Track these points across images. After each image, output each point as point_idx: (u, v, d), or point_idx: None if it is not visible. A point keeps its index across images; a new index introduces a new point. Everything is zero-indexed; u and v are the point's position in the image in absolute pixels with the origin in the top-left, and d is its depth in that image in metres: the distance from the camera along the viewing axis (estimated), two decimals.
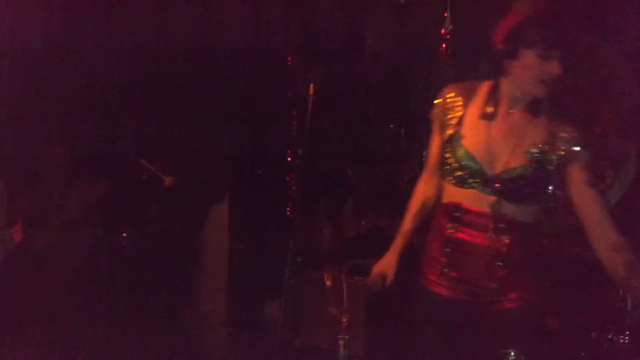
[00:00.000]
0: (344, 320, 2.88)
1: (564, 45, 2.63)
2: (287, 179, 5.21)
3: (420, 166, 3.23)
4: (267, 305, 5.16)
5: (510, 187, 2.66)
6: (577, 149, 2.69)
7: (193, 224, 5.18)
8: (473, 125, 2.73)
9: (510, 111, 2.72)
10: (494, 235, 2.68)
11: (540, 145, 2.68)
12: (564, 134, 2.68)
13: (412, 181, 3.13)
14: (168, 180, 4.68)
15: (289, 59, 5.31)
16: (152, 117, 5.04)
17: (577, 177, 2.69)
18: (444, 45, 5.22)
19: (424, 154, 3.45)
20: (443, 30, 5.09)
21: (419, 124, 5.52)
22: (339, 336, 2.85)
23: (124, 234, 4.79)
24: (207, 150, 5.16)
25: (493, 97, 2.73)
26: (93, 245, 4.74)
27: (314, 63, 4.87)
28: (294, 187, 5.16)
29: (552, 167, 2.67)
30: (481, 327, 2.73)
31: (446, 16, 5.26)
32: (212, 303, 5.18)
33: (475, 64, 4.26)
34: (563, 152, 2.68)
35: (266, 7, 5.25)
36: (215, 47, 5.09)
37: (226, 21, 5.14)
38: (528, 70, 2.63)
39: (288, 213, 5.05)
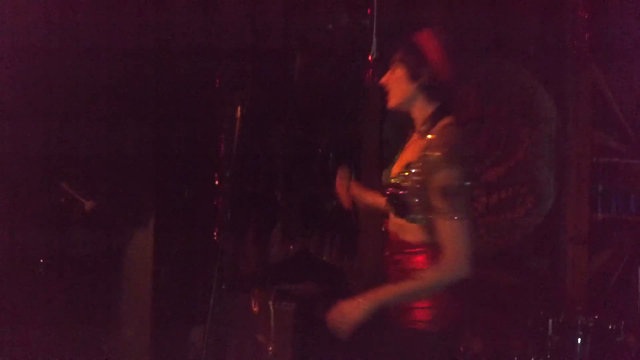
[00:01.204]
0: (270, 348, 2.82)
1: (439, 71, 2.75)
2: (215, 202, 5.12)
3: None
4: (192, 332, 5.04)
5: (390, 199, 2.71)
6: (443, 172, 2.58)
7: (115, 250, 5.02)
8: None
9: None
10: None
11: (411, 164, 2.66)
12: (432, 156, 2.59)
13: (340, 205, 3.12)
14: (89, 204, 4.53)
15: (217, 81, 5.24)
16: (68, 140, 4.84)
17: (434, 202, 2.59)
18: (370, 70, 5.28)
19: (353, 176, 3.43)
20: (370, 57, 5.13)
21: (348, 146, 5.56)
22: None
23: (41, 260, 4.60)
24: (130, 172, 5.01)
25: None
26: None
27: (242, 85, 4.82)
28: (221, 211, 5.06)
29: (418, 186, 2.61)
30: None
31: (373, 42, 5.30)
32: (134, 331, 5.02)
33: None
34: (428, 174, 2.59)
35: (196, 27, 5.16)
36: (142, 68, 4.97)
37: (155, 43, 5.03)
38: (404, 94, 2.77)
39: (215, 238, 4.95)
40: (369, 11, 5.30)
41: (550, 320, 3.92)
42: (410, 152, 2.75)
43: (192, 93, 5.21)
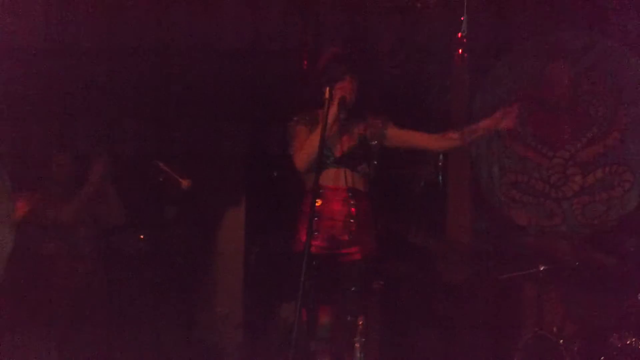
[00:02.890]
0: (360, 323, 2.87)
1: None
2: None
3: None
4: (283, 308, 5.10)
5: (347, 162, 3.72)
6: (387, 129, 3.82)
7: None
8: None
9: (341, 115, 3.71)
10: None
11: (363, 132, 3.79)
12: (377, 122, 3.82)
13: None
14: (185, 183, 4.64)
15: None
16: None
17: (393, 132, 3.82)
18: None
19: None
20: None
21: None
22: None
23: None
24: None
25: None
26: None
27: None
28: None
29: (374, 142, 3.79)
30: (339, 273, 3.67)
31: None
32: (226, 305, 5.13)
33: None
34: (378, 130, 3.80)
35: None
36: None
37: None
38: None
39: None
40: None
41: None
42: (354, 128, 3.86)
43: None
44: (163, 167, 4.59)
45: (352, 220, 3.66)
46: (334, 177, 3.70)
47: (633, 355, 3.73)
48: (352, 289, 3.63)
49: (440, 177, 5.50)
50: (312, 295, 3.57)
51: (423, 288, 4.62)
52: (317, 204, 3.60)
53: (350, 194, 3.68)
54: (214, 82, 5.15)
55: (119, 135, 5.02)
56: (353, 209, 3.67)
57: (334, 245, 3.67)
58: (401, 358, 4.21)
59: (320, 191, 3.67)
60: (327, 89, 3.62)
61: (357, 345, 3.25)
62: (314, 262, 3.57)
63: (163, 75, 5.06)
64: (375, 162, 3.80)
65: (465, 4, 5.21)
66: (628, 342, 3.74)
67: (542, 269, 4.12)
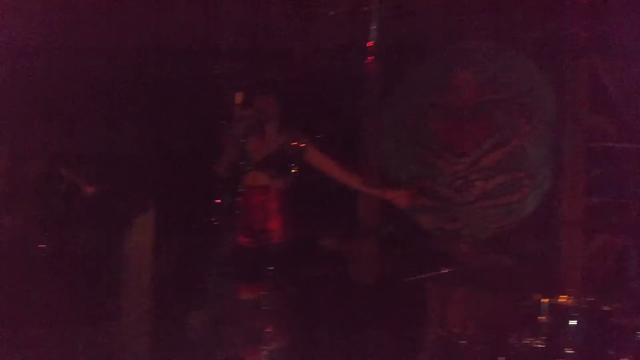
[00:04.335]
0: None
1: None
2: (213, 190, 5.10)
3: None
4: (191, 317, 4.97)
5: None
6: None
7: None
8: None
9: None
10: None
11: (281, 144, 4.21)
12: (296, 140, 4.21)
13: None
14: (89, 190, 4.49)
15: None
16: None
17: (313, 152, 4.21)
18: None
19: None
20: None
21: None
22: None
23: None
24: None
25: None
26: None
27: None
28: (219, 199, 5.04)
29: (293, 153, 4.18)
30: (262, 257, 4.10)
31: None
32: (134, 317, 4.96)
33: None
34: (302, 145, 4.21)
35: None
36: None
37: None
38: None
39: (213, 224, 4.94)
40: None
41: (545, 302, 3.85)
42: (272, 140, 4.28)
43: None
44: (66, 174, 4.41)
45: (269, 217, 4.10)
46: (254, 179, 4.14)
47: (531, 354, 3.80)
48: (271, 270, 4.01)
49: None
50: (235, 282, 4.06)
51: (333, 290, 4.61)
52: (239, 202, 4.12)
53: (268, 194, 4.10)
54: (120, 83, 4.99)
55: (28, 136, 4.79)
56: (270, 207, 4.08)
57: (256, 239, 4.09)
58: (310, 359, 4.17)
59: (243, 190, 4.13)
60: (238, 94, 3.84)
61: (264, 352, 3.26)
62: (238, 253, 4.08)
63: (70, 76, 4.88)
64: (294, 169, 4.20)
65: (377, 12, 5.33)
66: (526, 342, 3.81)
67: (445, 271, 4.17)
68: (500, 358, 3.76)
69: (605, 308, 3.78)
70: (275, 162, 4.19)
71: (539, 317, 3.79)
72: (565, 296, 3.85)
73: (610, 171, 4.76)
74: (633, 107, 4.68)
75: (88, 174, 4.75)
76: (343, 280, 4.76)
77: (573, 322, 3.75)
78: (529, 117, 5.04)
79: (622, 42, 4.67)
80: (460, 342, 3.85)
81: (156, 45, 5.06)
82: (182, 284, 4.80)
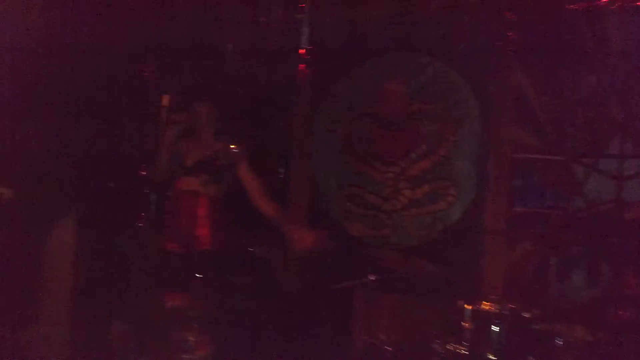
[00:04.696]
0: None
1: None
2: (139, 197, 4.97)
3: None
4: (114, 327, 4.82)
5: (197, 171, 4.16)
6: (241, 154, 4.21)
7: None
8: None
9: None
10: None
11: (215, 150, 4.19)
12: (232, 146, 4.21)
13: None
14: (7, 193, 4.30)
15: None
16: None
17: (244, 168, 4.20)
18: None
19: None
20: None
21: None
22: None
23: None
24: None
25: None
26: None
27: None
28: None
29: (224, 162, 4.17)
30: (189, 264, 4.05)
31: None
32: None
33: None
34: (233, 154, 4.20)
35: None
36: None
37: None
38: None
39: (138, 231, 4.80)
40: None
41: (468, 309, 3.89)
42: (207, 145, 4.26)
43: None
44: None
45: (198, 223, 4.08)
46: (185, 183, 4.12)
47: (454, 359, 3.83)
48: (199, 276, 3.99)
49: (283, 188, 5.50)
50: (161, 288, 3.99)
51: (260, 298, 4.55)
52: (171, 206, 4.12)
53: (198, 199, 4.08)
54: (45, 84, 4.82)
55: None
56: (200, 212, 4.07)
57: (183, 244, 4.06)
58: None
59: (173, 195, 4.13)
60: (164, 96, 3.78)
61: None
62: (165, 259, 4.04)
63: None
64: (225, 175, 4.16)
65: (310, 19, 5.33)
66: (449, 348, 3.84)
67: (372, 278, 4.17)
68: None
69: (526, 314, 3.85)
70: (207, 168, 4.14)
71: (462, 323, 3.82)
72: (488, 303, 3.90)
73: (532, 182, 4.89)
74: (555, 119, 4.82)
75: (9, 176, 4.55)
76: (271, 288, 4.70)
77: (495, 328, 3.79)
78: (455, 128, 5.14)
79: (545, 56, 4.81)
80: (385, 348, 3.85)
81: (86, 45, 4.93)
82: (104, 290, 4.65)
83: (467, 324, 3.82)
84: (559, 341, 3.71)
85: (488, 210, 4.90)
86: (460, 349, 3.78)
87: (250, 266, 4.69)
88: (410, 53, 5.26)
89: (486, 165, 4.98)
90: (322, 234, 4.25)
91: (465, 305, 3.88)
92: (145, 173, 4.09)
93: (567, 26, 4.75)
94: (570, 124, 4.76)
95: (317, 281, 4.84)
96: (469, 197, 5.04)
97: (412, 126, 5.26)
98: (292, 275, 5.11)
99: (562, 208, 4.74)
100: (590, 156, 4.70)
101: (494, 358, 3.71)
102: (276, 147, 5.53)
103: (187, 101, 4.25)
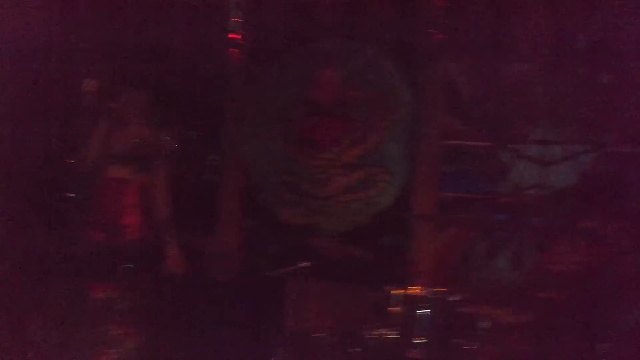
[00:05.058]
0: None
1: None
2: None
3: None
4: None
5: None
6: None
7: None
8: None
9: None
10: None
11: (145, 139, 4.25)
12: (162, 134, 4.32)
13: None
14: None
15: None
16: None
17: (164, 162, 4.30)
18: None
19: None
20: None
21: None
22: None
23: None
24: None
25: None
26: None
27: None
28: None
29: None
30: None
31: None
32: None
33: None
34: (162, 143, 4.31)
35: None
36: None
37: None
38: None
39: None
40: None
41: (398, 294, 3.94)
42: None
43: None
44: None
45: (126, 212, 4.08)
46: (114, 172, 4.09)
47: (383, 344, 3.88)
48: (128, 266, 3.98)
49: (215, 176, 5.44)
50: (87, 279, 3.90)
51: (190, 287, 4.50)
52: (98, 195, 4.08)
53: (127, 188, 4.08)
54: None
55: None
56: (128, 202, 4.07)
57: (113, 232, 4.05)
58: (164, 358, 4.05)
59: (102, 183, 4.10)
60: (88, 80, 3.71)
61: (114, 355, 3.14)
62: (91, 249, 3.99)
63: None
64: (154, 164, 4.19)
65: (242, 5, 5.26)
66: (379, 333, 3.88)
67: (304, 265, 4.18)
68: (354, 349, 3.80)
69: (453, 298, 3.92)
70: (137, 157, 4.09)
71: (391, 308, 3.87)
72: (417, 287, 3.96)
73: (460, 167, 4.97)
74: (483, 107, 4.90)
75: None
76: (201, 277, 4.65)
77: (423, 312, 3.85)
78: (387, 115, 5.17)
79: (473, 45, 4.88)
80: (315, 335, 3.87)
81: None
82: (26, 282, 4.50)
83: (396, 309, 3.86)
84: (485, 323, 3.79)
85: (418, 196, 4.97)
86: (390, 334, 3.83)
87: (180, 255, 4.64)
88: (343, 40, 5.27)
89: (416, 152, 5.05)
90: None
91: (395, 290, 3.92)
92: (72, 161, 3.99)
93: (495, 14, 4.84)
94: (497, 111, 4.86)
95: (250, 269, 4.83)
96: (400, 182, 5.10)
97: (345, 113, 5.27)
98: (224, 264, 5.08)
99: (489, 193, 4.84)
100: (515, 142, 4.81)
101: (421, 341, 3.77)
102: (208, 133, 5.45)
103: (117, 88, 4.16)
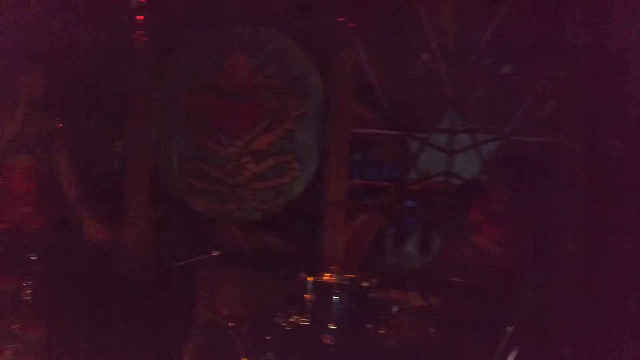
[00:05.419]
0: None
1: None
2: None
3: None
4: None
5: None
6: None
7: None
8: None
9: None
10: None
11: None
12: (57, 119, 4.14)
13: None
14: None
15: None
16: None
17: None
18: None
19: None
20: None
21: None
22: None
23: None
24: None
25: None
26: None
27: None
28: None
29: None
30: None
31: None
32: None
33: None
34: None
35: None
36: None
37: None
38: None
39: None
40: None
41: (310, 281, 3.93)
42: None
43: None
44: None
45: (29, 201, 3.94)
46: (15, 160, 3.94)
47: (297, 332, 3.86)
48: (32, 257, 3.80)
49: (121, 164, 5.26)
50: None
51: (97, 278, 4.34)
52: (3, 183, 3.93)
53: (29, 176, 3.94)
54: None
55: None
56: (31, 190, 3.92)
57: (14, 220, 3.91)
58: (71, 353, 3.89)
59: (5, 171, 3.95)
60: None
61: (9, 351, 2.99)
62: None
63: None
64: (54, 150, 4.02)
65: None
66: (292, 320, 3.86)
67: (215, 254, 4.10)
68: (266, 338, 3.76)
69: (365, 284, 3.95)
70: (36, 144, 3.92)
71: (304, 296, 3.85)
72: (329, 274, 3.96)
73: (370, 155, 5.02)
74: (392, 97, 4.96)
75: None
76: (108, 268, 4.50)
77: (335, 299, 3.86)
78: (299, 102, 5.14)
79: (382, 33, 4.92)
80: (228, 324, 3.81)
81: None
82: None
83: (308, 296, 3.85)
84: (395, 308, 3.84)
85: (329, 184, 4.98)
86: (303, 321, 3.81)
87: (87, 245, 4.46)
88: (253, 25, 5.19)
89: (328, 140, 5.05)
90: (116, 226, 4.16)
91: (307, 278, 3.91)
92: None
93: (403, 3, 4.90)
94: (406, 100, 4.93)
95: (159, 259, 4.71)
96: (312, 170, 5.10)
97: (256, 100, 5.21)
98: (133, 253, 4.93)
99: (398, 180, 4.92)
100: (423, 131, 4.90)
101: (334, 327, 3.77)
102: (113, 118, 5.25)
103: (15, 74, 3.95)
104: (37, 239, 3.94)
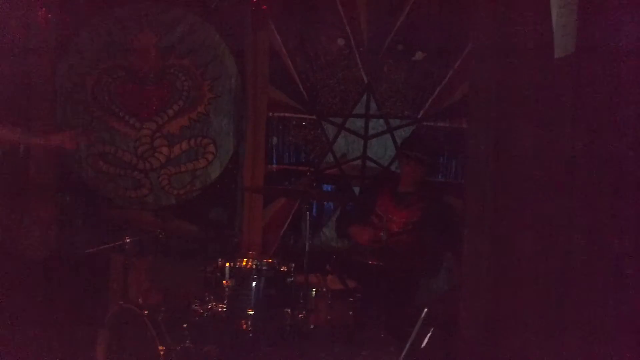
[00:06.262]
0: None
1: None
2: None
3: None
4: None
5: None
6: None
7: None
8: None
9: None
10: None
11: None
12: None
13: None
14: None
15: None
16: None
17: None
18: None
19: None
20: None
21: None
22: None
23: None
24: None
25: None
26: None
27: None
28: None
29: None
30: None
31: None
32: None
33: None
34: None
35: None
36: None
37: None
38: None
39: None
40: None
41: (228, 266, 3.84)
42: None
43: None
44: None
45: None
46: None
47: (215, 318, 3.77)
48: None
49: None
50: None
51: (6, 265, 4.08)
52: None
53: None
54: None
55: None
56: None
57: None
58: None
59: None
60: None
61: None
62: None
63: None
64: None
65: None
66: (210, 307, 3.77)
67: (128, 240, 3.93)
68: (183, 325, 3.65)
69: (283, 268, 3.90)
70: None
71: (222, 282, 3.76)
72: (246, 259, 3.89)
73: (287, 139, 4.96)
74: (307, 80, 4.91)
75: None
76: (15, 256, 4.25)
77: (254, 284, 3.79)
78: (212, 85, 5.01)
79: (297, 16, 4.85)
80: (143, 312, 3.66)
81: None
82: None
83: (226, 282, 3.76)
84: (312, 292, 3.82)
85: (245, 168, 4.89)
86: (221, 307, 3.72)
87: None
88: (161, 4, 4.98)
89: (244, 123, 4.95)
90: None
91: (224, 263, 3.82)
92: None
93: None
94: (322, 84, 4.89)
95: (69, 245, 4.49)
96: (227, 154, 4.99)
97: (167, 81, 5.03)
98: (40, 241, 4.68)
99: (314, 164, 4.89)
100: (339, 116, 4.88)
101: (252, 313, 3.71)
102: (16, 102, 4.94)
103: None
104: None
